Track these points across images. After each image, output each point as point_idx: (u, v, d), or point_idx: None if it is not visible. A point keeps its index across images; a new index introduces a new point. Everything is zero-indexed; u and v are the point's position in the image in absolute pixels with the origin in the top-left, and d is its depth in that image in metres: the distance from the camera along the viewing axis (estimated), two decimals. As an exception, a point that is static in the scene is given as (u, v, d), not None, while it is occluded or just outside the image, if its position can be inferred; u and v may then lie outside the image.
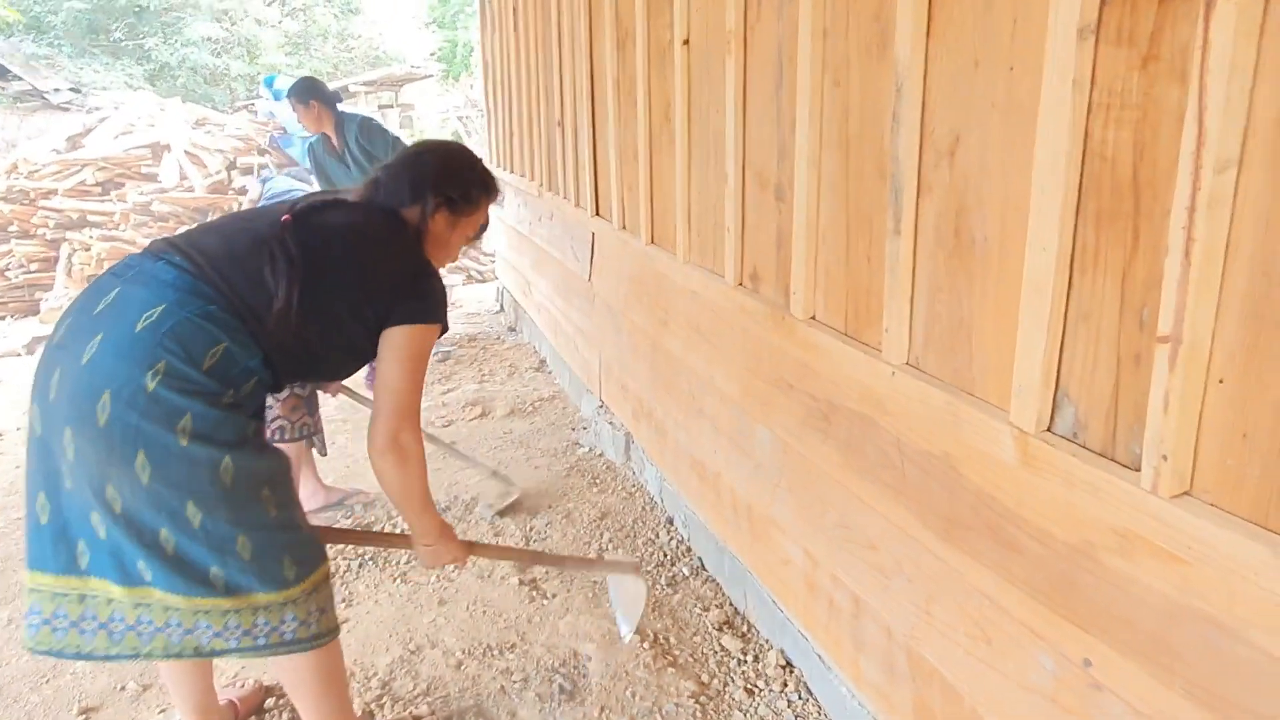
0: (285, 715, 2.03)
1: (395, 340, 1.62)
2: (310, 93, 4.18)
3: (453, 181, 1.82)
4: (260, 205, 1.79)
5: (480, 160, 1.95)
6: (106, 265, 6.62)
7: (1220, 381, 0.99)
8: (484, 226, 1.96)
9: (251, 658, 1.60)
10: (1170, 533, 1.03)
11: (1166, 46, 1.00)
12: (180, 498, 1.42)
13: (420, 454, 1.66)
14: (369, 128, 4.33)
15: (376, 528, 2.91)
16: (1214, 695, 1.01)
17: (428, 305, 1.67)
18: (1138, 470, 1.09)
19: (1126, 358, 1.11)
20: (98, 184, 7.44)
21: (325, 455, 3.05)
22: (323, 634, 1.62)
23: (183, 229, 1.77)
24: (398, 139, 4.46)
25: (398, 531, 2.77)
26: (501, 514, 2.98)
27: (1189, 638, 1.04)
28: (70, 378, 1.40)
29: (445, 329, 1.72)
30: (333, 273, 1.59)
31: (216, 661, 2.20)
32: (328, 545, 1.73)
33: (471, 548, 1.90)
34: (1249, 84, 0.90)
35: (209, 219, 1.81)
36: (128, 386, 1.37)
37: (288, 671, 1.68)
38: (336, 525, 2.81)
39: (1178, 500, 1.03)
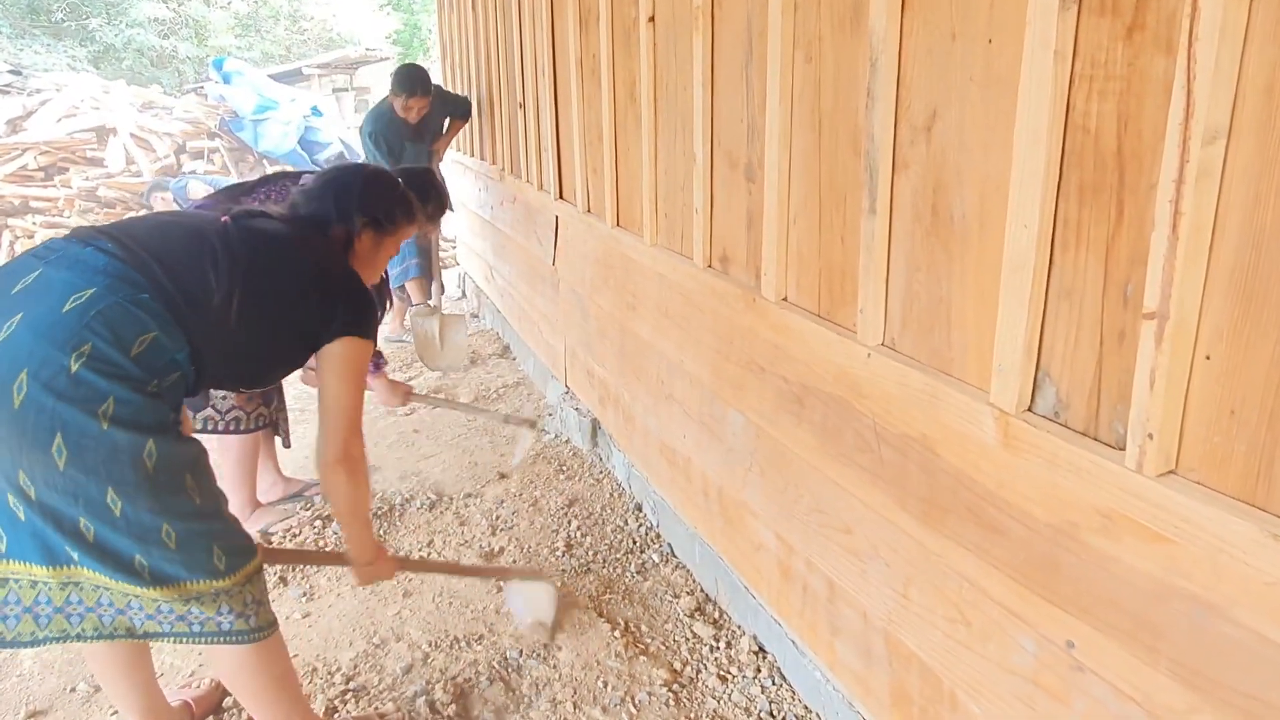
0: (245, 714, 1.96)
1: (335, 354, 1.64)
2: (428, 84, 4.17)
3: (377, 203, 1.87)
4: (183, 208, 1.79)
5: (400, 183, 2.00)
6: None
7: (1207, 358, 0.97)
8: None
9: (188, 644, 1.55)
10: (1156, 512, 1.02)
11: (1152, 15, 0.98)
12: (99, 485, 1.35)
13: (364, 469, 1.71)
14: (447, 97, 4.52)
15: (319, 519, 2.83)
16: (1199, 675, 1.00)
17: (364, 319, 1.68)
18: (1122, 449, 1.07)
19: (1110, 335, 1.09)
20: (40, 169, 7.18)
21: (289, 447, 2.96)
22: (262, 627, 1.57)
23: (129, 215, 1.71)
24: (467, 98, 4.56)
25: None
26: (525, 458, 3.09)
27: (1174, 617, 1.02)
28: None
29: (374, 344, 1.74)
30: (271, 277, 1.58)
31: (172, 661, 2.14)
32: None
33: (401, 563, 1.98)
34: (1239, 50, 0.88)
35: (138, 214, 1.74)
36: (47, 367, 1.31)
37: (233, 673, 1.61)
38: (271, 541, 2.73)
39: (1163, 479, 1.02)
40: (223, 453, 2.58)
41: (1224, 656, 0.97)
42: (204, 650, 1.63)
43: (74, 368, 1.32)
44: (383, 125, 4.23)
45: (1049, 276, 1.16)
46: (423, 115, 4.27)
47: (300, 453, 3.41)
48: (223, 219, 1.58)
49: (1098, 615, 1.13)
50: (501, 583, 2.37)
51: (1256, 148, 0.89)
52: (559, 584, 2.28)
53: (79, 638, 1.47)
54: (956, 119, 1.29)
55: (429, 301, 4.71)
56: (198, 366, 1.49)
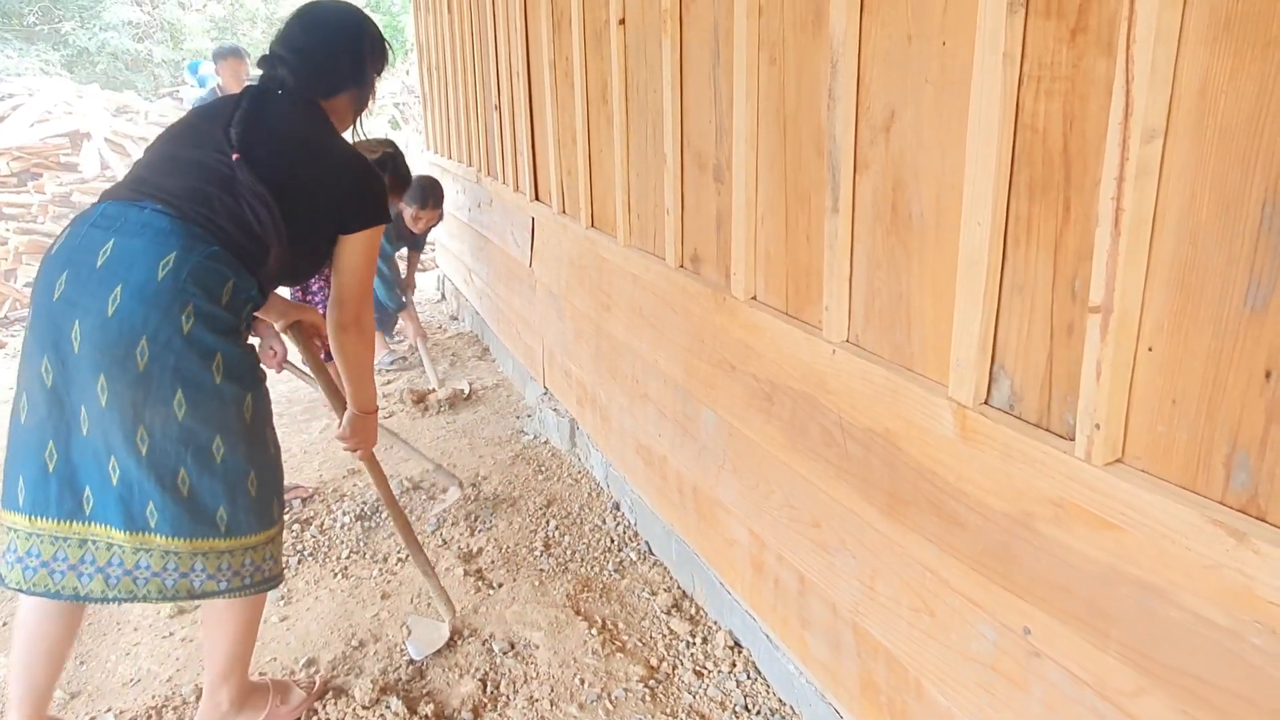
0: (188, 685, 1.98)
1: (355, 243, 1.75)
2: (441, 199, 4.13)
3: (382, 52, 1.90)
4: (189, 122, 1.75)
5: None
6: (24, 260, 6.34)
7: (1149, 349, 1.00)
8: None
9: (237, 596, 1.67)
10: (1104, 500, 1.05)
11: (1094, 18, 1.01)
12: (210, 432, 1.54)
13: (374, 331, 1.91)
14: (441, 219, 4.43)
15: (315, 522, 2.83)
16: (1147, 657, 1.03)
17: (377, 207, 1.78)
18: (1072, 439, 1.10)
19: (1060, 328, 1.12)
20: (12, 174, 7.10)
21: None
22: (283, 569, 1.78)
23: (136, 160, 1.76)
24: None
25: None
26: (447, 512, 2.91)
27: (1123, 602, 1.05)
28: (97, 329, 1.45)
29: (389, 220, 1.84)
30: (297, 199, 1.64)
31: (149, 666, 2.16)
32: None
33: (374, 461, 2.14)
34: (1174, 53, 0.91)
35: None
36: (164, 330, 1.46)
37: (235, 618, 1.74)
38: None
39: (1110, 468, 1.05)
40: None
41: (1169, 639, 1.00)
42: (206, 605, 1.73)
43: (187, 328, 1.48)
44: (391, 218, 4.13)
45: (1002, 272, 1.19)
46: (426, 229, 4.21)
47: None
48: (234, 155, 1.59)
49: (1052, 602, 1.16)
50: (408, 617, 2.30)
51: (1192, 146, 0.92)
52: (451, 629, 2.22)
53: (144, 599, 1.60)
54: (913, 119, 1.32)
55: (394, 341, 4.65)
56: (263, 291, 1.65)
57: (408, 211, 4.03)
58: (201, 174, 1.58)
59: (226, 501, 1.59)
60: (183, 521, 1.55)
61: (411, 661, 2.13)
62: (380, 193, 1.79)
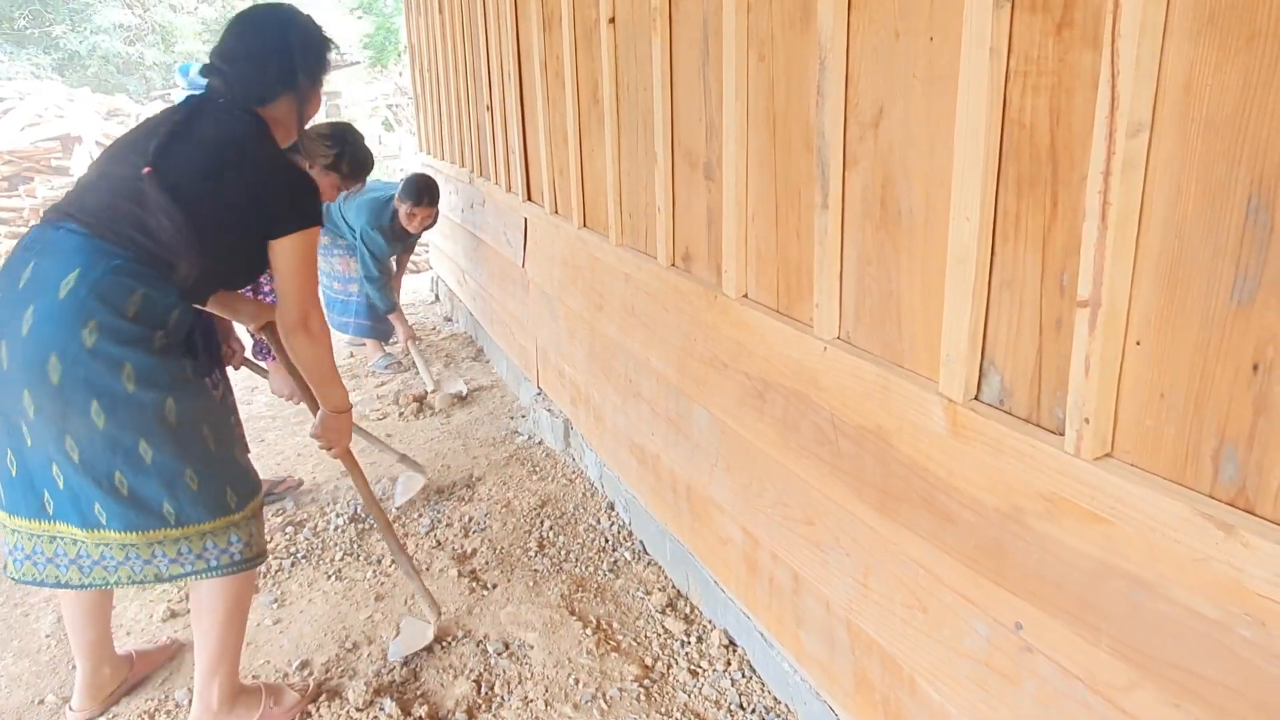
0: (164, 685, 2.08)
1: (286, 248, 1.76)
2: (436, 197, 4.07)
3: (317, 54, 1.86)
4: (128, 137, 1.78)
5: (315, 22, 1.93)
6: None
7: (1137, 343, 1.00)
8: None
9: (205, 577, 1.75)
10: (1093, 494, 1.05)
11: (1080, 12, 1.01)
12: (133, 437, 1.58)
13: (327, 334, 1.88)
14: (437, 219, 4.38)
15: (309, 525, 2.83)
16: (1138, 651, 1.03)
17: (305, 212, 1.78)
18: (1061, 434, 1.10)
19: (1048, 323, 1.12)
20: (4, 179, 7.08)
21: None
22: (261, 554, 1.82)
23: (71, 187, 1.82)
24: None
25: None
26: (404, 506, 2.92)
27: (1113, 597, 1.06)
28: (18, 348, 1.54)
29: (321, 224, 1.84)
30: (209, 210, 1.66)
31: (135, 617, 2.29)
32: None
33: (350, 456, 2.15)
34: (1158, 47, 0.91)
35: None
36: (70, 346, 1.52)
37: (217, 600, 1.80)
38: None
39: (1100, 462, 1.05)
40: None
41: (1160, 632, 1.00)
42: (194, 585, 1.80)
43: (90, 342, 1.53)
44: (382, 224, 4.07)
45: (991, 268, 1.19)
46: (421, 229, 4.15)
47: (271, 460, 3.40)
48: (145, 170, 1.61)
49: (1043, 597, 1.16)
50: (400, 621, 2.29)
51: (1177, 140, 0.92)
52: (436, 630, 2.21)
53: (118, 583, 1.70)
54: (902, 115, 1.32)
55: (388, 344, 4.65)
56: (190, 296, 1.69)
57: (402, 209, 4.01)
58: (119, 188, 1.64)
59: (169, 496, 1.63)
60: (130, 517, 1.62)
61: (405, 663, 2.13)
62: (309, 197, 1.79)
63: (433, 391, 4.06)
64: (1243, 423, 0.91)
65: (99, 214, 1.61)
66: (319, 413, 2.03)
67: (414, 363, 4.34)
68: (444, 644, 2.20)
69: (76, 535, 1.65)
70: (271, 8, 1.87)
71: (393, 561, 2.59)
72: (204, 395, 1.72)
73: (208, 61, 1.81)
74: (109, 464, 1.58)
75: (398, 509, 2.87)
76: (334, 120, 3.11)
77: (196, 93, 1.84)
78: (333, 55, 1.93)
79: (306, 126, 1.96)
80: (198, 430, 1.67)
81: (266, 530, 2.74)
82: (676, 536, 2.38)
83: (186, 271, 1.63)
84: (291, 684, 2.03)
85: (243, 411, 3.84)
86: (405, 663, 2.13)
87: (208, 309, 2.14)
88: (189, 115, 1.74)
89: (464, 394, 4.06)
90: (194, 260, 1.62)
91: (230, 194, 1.68)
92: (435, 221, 4.32)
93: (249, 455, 2.00)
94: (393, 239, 4.16)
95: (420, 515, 2.90)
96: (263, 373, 2.86)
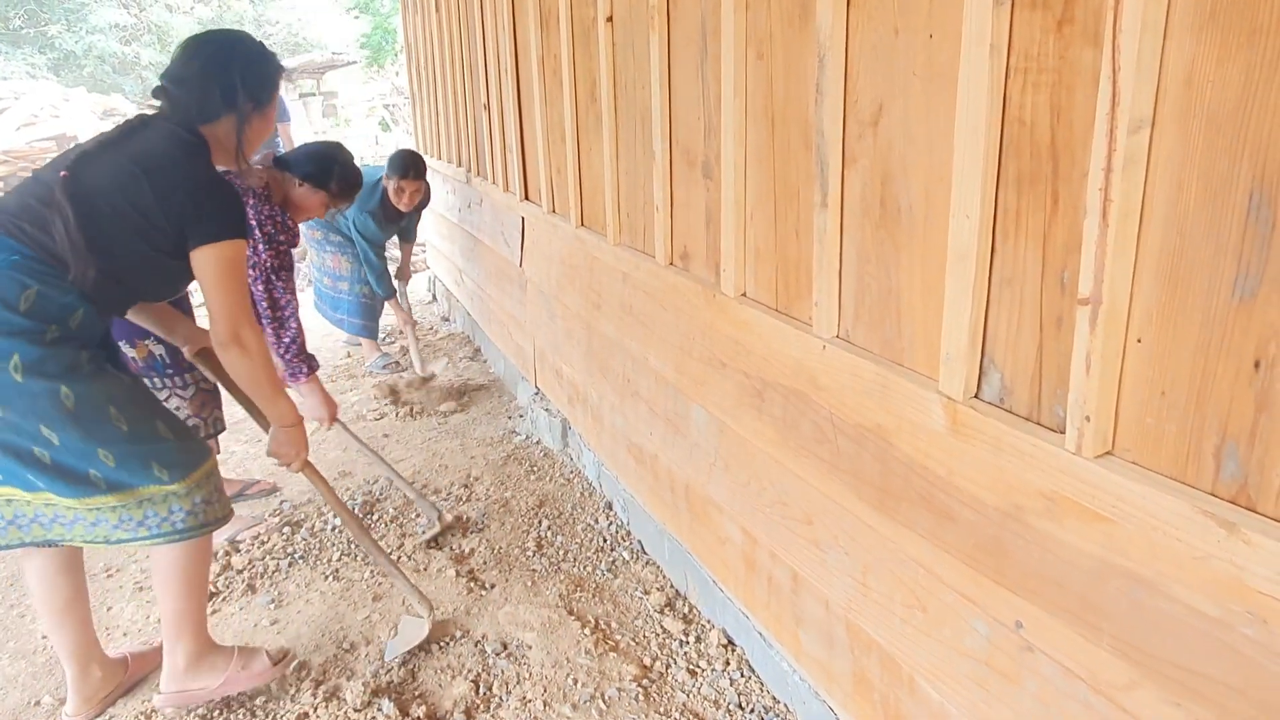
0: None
1: (201, 261, 1.76)
2: (422, 169, 4.00)
3: (260, 77, 1.88)
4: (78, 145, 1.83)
5: (265, 48, 1.97)
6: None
7: (1139, 341, 1.00)
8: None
9: (150, 545, 1.79)
10: (1094, 493, 1.04)
11: (1080, 8, 1.00)
12: (32, 423, 1.62)
13: (262, 347, 1.85)
14: (427, 193, 4.34)
15: (306, 525, 2.82)
16: (1140, 650, 1.03)
17: (221, 223, 1.76)
18: (1062, 432, 1.10)
19: (1049, 321, 1.11)
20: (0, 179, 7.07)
21: (221, 430, 2.93)
22: (210, 522, 1.83)
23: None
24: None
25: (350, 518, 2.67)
26: (430, 544, 2.72)
27: (1115, 595, 1.05)
28: None
29: (246, 238, 1.82)
30: (115, 220, 1.69)
31: (132, 617, 2.26)
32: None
33: (312, 468, 2.12)
34: (1159, 43, 0.91)
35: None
36: None
37: (169, 567, 1.84)
38: (239, 548, 2.71)
39: (1101, 460, 1.04)
40: None
41: (1161, 631, 1.00)
42: (151, 552, 1.84)
43: None
44: (372, 207, 4.04)
45: (991, 265, 1.19)
46: (413, 204, 4.08)
47: (258, 462, 3.39)
48: (61, 173, 1.67)
49: (1044, 596, 1.16)
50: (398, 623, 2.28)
51: (1179, 137, 0.92)
52: (431, 623, 2.20)
53: (74, 541, 1.76)
54: (901, 113, 1.31)
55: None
56: (96, 301, 1.70)
57: (390, 185, 3.97)
58: (37, 190, 1.69)
59: (91, 466, 1.68)
60: (61, 485, 1.67)
61: (403, 663, 2.12)
62: (229, 209, 1.78)
63: (425, 378, 4.08)
64: (1244, 420, 0.90)
65: (14, 213, 1.66)
66: (270, 430, 2.00)
67: (408, 350, 4.34)
68: (442, 644, 2.19)
69: (24, 498, 1.70)
70: (220, 32, 1.95)
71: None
72: (106, 379, 1.71)
73: (158, 84, 1.85)
74: (26, 442, 1.63)
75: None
76: (323, 140, 3.13)
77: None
78: (281, 80, 1.97)
79: (258, 150, 1.98)
80: (102, 412, 1.67)
81: (263, 531, 2.75)
82: (675, 536, 2.38)
83: (77, 272, 1.63)
84: (267, 649, 2.06)
85: (239, 412, 3.86)
86: (403, 663, 2.12)
87: (144, 325, 2.19)
88: (130, 129, 1.79)
89: (434, 376, 4.11)
90: (86, 261, 1.63)
91: (140, 200, 1.69)
92: (427, 198, 4.30)
93: (199, 427, 2.13)
94: (385, 221, 4.12)
95: (418, 515, 2.89)
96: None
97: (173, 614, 1.89)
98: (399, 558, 2.64)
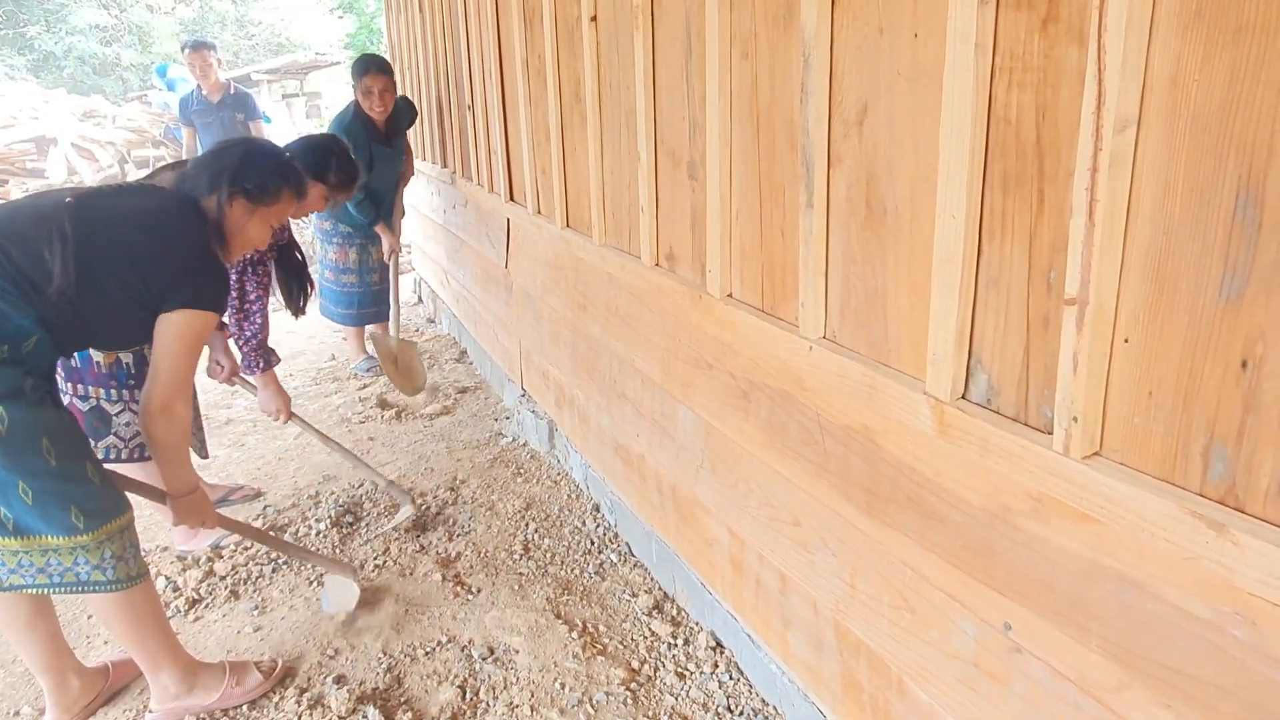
0: (144, 693, 2.04)
1: (171, 323, 1.77)
2: (385, 64, 3.89)
3: (249, 174, 1.94)
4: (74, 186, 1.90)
5: (287, 156, 2.09)
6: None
7: (1125, 341, 0.99)
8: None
9: (50, 593, 1.74)
10: (1082, 493, 1.04)
11: (1065, 7, 1.00)
12: None
13: (186, 419, 1.85)
14: (408, 105, 4.28)
15: (290, 529, 2.79)
16: (1128, 651, 1.03)
17: (202, 294, 1.80)
18: (1049, 433, 1.09)
19: (1036, 321, 1.11)
20: (-23, 181, 6.97)
21: (206, 458, 2.90)
22: (120, 580, 1.77)
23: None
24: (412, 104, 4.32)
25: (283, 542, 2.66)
26: (398, 529, 2.78)
27: (1103, 596, 1.05)
28: None
29: (220, 314, 1.85)
30: (108, 256, 1.71)
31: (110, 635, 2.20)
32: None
33: (221, 519, 2.05)
34: (1145, 41, 0.91)
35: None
36: None
37: (101, 614, 1.83)
38: (222, 554, 2.68)
39: (1088, 461, 1.04)
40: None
41: (1149, 632, 1.00)
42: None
43: None
44: (346, 123, 3.87)
45: (977, 266, 1.18)
46: (388, 107, 3.92)
47: (250, 465, 3.36)
48: (68, 199, 1.71)
49: (1032, 597, 1.15)
50: (323, 575, 2.43)
51: (1164, 136, 0.92)
52: (359, 580, 2.35)
53: None
54: (886, 112, 1.30)
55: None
56: (53, 331, 1.67)
57: (358, 91, 3.85)
58: (32, 209, 1.71)
59: (3, 504, 1.62)
60: None
61: (388, 669, 2.10)
62: (211, 284, 1.82)
63: (400, 340, 4.14)
64: (1232, 420, 0.90)
65: None
66: (168, 501, 1.93)
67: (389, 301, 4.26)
68: (428, 650, 2.17)
69: None
70: (254, 139, 2.08)
71: (376, 566, 2.57)
72: (46, 410, 1.66)
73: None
74: None
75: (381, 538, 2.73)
76: (321, 132, 3.12)
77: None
78: (285, 190, 2.02)
79: (243, 246, 2.00)
80: (34, 442, 1.61)
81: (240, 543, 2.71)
82: (662, 538, 2.36)
83: (59, 287, 1.63)
84: (260, 664, 2.06)
85: (221, 416, 3.83)
86: (389, 669, 2.10)
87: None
88: (146, 185, 1.88)
89: (391, 345, 4.11)
90: (66, 290, 1.63)
91: (131, 249, 1.72)
92: (413, 113, 4.27)
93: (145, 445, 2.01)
94: (374, 143, 3.94)
95: (377, 530, 2.86)
96: (253, 389, 2.83)
97: (137, 651, 1.88)
98: (385, 560, 2.62)
